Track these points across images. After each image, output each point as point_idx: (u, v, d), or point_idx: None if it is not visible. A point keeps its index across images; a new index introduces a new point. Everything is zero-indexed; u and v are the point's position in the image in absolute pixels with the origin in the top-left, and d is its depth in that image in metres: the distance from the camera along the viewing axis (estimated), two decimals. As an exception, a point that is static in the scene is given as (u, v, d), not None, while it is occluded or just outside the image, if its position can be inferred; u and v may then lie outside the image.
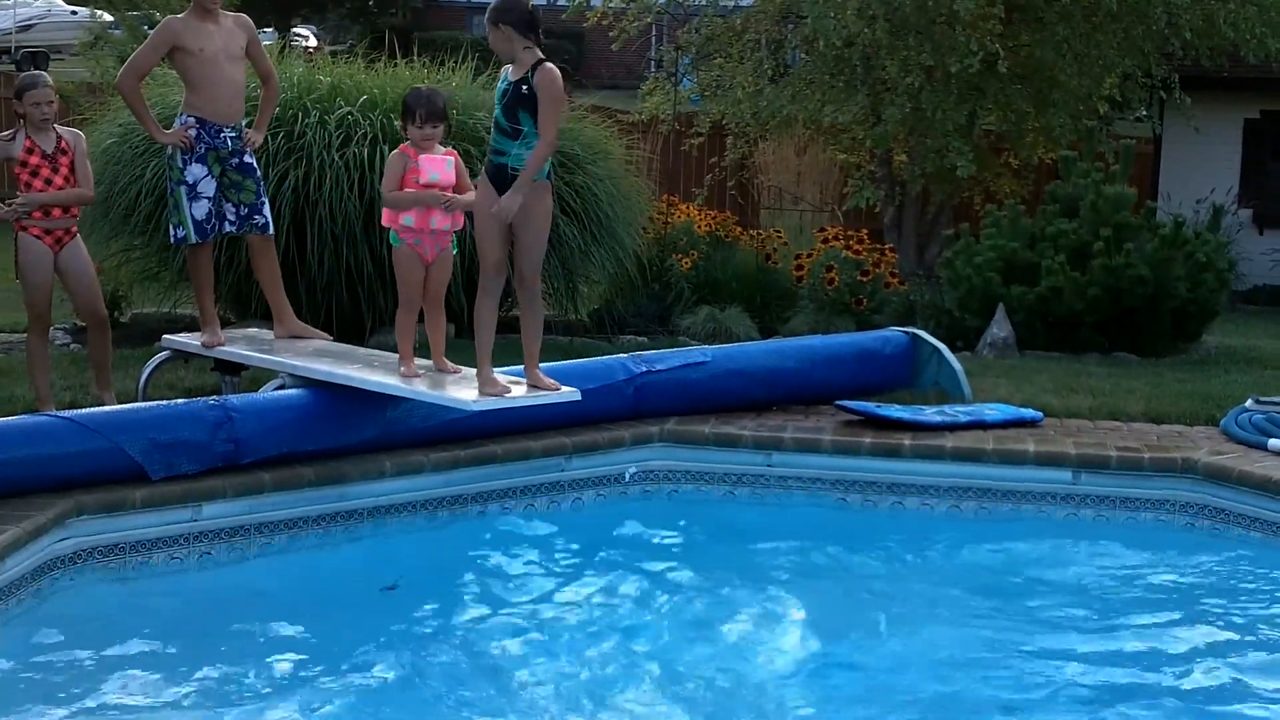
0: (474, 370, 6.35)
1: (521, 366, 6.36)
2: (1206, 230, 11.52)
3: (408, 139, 6.51)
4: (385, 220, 6.56)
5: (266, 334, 7.61)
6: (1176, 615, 5.86)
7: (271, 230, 7.41)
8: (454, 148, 9.36)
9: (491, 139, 6.14)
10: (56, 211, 7.17)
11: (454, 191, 6.45)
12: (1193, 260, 10.75)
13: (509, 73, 6.10)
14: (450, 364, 6.56)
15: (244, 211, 7.26)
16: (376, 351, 7.19)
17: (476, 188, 6.27)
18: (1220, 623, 5.77)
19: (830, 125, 16.21)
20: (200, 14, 7.10)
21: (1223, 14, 14.40)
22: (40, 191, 7.11)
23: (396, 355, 6.61)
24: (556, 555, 6.37)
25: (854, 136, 16.01)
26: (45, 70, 23.58)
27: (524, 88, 6.01)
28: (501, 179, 6.08)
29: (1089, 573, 6.33)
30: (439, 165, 6.40)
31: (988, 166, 16.28)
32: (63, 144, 7.18)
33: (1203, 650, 5.47)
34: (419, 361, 6.65)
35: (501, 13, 6.05)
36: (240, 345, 7.29)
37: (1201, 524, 6.69)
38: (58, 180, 7.14)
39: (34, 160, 7.12)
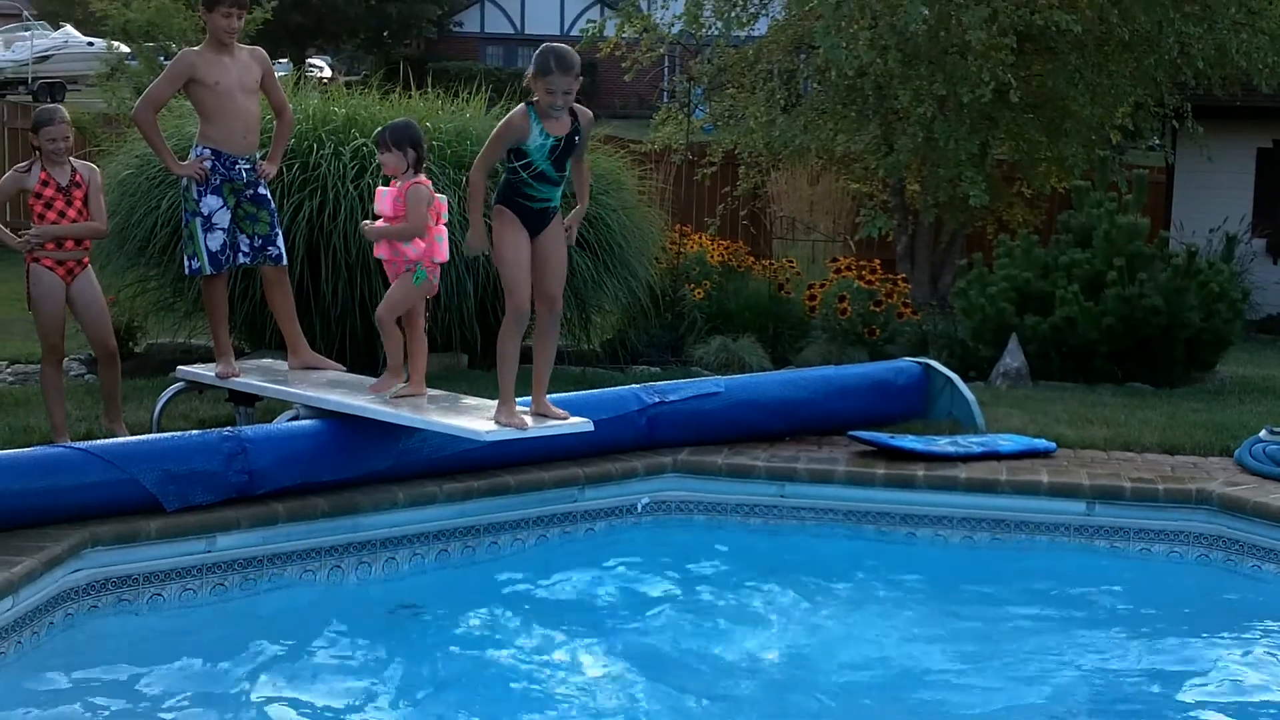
0: (459, 397, 6.40)
1: (525, 397, 6.35)
2: (1220, 260, 11.51)
3: None
4: None
5: (280, 365, 7.63)
6: (1191, 647, 5.84)
7: (285, 261, 7.44)
8: (469, 179, 9.47)
9: (532, 189, 6.08)
10: (69, 243, 7.21)
11: (394, 223, 6.61)
12: (1207, 290, 10.73)
13: (546, 127, 6.00)
14: (426, 390, 6.65)
15: (258, 243, 7.29)
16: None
17: (493, 224, 6.20)
18: (1235, 655, 5.75)
19: (843, 155, 16.25)
20: (216, 47, 7.15)
21: (1235, 44, 14.43)
22: (53, 223, 7.16)
23: (410, 389, 6.67)
24: (569, 586, 6.37)
25: (866, 166, 16.04)
26: (62, 101, 23.78)
27: (575, 138, 6.10)
28: (541, 219, 6.14)
29: (1103, 604, 6.32)
30: (378, 195, 6.68)
31: (1000, 196, 16.30)
32: (77, 177, 7.23)
33: (1217, 682, 5.45)
34: (433, 392, 6.71)
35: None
36: (254, 376, 7.31)
37: (1216, 555, 6.66)
38: (70, 213, 7.19)
39: (48, 193, 7.17)
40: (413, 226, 6.55)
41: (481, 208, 6.23)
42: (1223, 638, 5.94)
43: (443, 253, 6.69)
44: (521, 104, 6.07)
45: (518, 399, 6.28)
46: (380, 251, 6.70)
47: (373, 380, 6.86)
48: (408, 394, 6.63)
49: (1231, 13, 14.58)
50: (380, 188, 6.73)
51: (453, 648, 5.65)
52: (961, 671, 5.53)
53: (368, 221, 6.80)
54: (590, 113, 6.25)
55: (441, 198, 6.73)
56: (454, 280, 9.32)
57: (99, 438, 6.77)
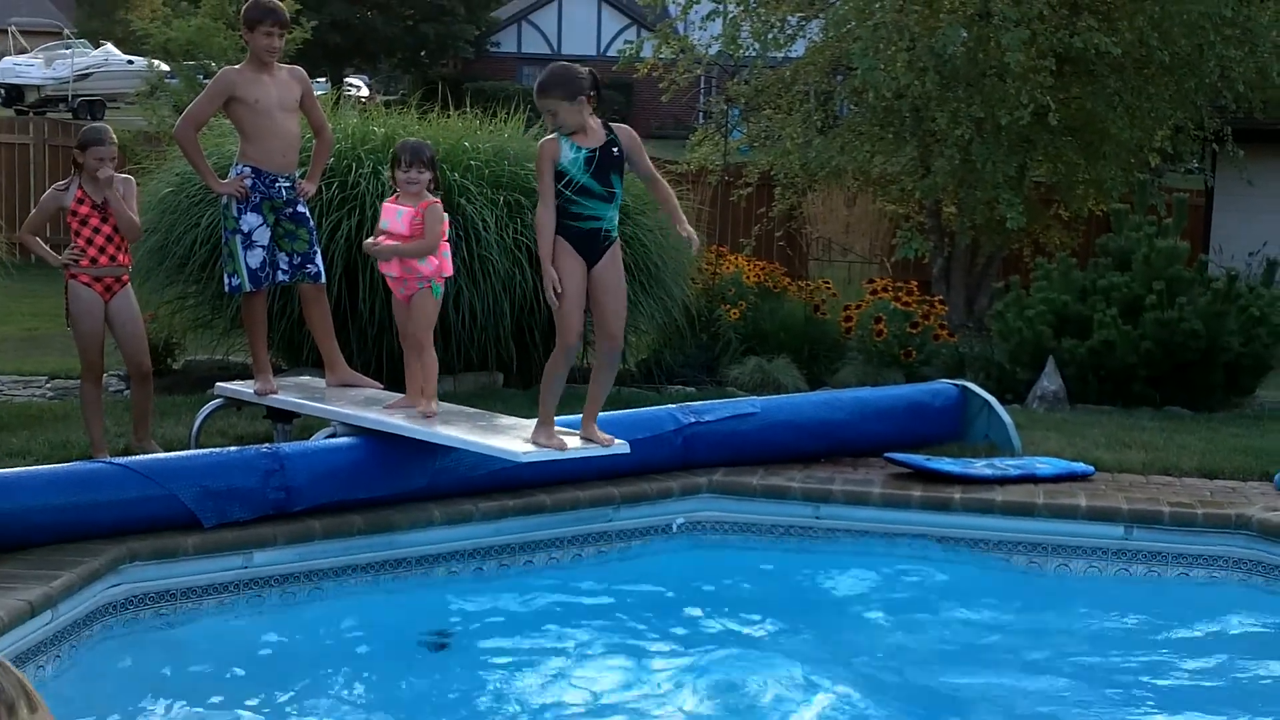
0: (496, 416, 6.46)
1: (574, 416, 6.36)
2: (1260, 284, 11.43)
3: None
4: None
5: (318, 382, 7.66)
6: (1229, 673, 5.79)
7: (324, 279, 7.47)
8: (505, 199, 9.51)
9: (578, 207, 6.00)
10: (104, 260, 7.25)
11: (407, 241, 6.65)
12: (1247, 314, 10.67)
13: (577, 141, 5.98)
14: (434, 406, 6.64)
15: (297, 260, 7.32)
16: (426, 400, 7.23)
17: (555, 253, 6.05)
18: (1275, 681, 5.70)
19: (879, 176, 16.22)
20: (257, 66, 7.19)
21: (1276, 67, 14.37)
22: (89, 241, 7.19)
23: (449, 405, 6.72)
24: (603, 606, 6.36)
25: (903, 187, 16.02)
26: (101, 119, 23.99)
27: (614, 150, 6.05)
28: (593, 243, 6.05)
29: (1140, 629, 6.27)
30: (391, 213, 6.70)
31: (1037, 218, 16.24)
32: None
33: (1258, 709, 5.40)
34: (470, 410, 6.73)
35: (583, 83, 5.99)
36: (292, 393, 7.34)
37: (1255, 581, 6.60)
38: (106, 229, 7.24)
39: (84, 210, 7.23)
40: (428, 244, 6.63)
41: (550, 250, 6.03)
42: (1260, 663, 5.89)
43: (450, 268, 6.82)
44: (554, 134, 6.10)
45: (561, 419, 6.30)
46: (390, 269, 6.74)
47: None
48: (404, 405, 6.74)
49: (1273, 35, 14.51)
50: (389, 204, 6.74)
51: (487, 666, 5.65)
52: (994, 695, 5.50)
53: (374, 239, 6.78)
54: (630, 129, 6.22)
55: (445, 216, 6.80)
56: (491, 301, 9.35)
57: (137, 454, 6.81)
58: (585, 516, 6.74)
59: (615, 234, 6.16)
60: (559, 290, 6.01)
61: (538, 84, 6.06)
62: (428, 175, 6.68)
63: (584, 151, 6.01)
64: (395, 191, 6.85)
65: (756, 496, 7.05)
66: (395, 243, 6.67)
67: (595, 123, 6.05)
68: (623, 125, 6.20)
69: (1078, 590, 6.62)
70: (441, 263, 6.74)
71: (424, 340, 6.76)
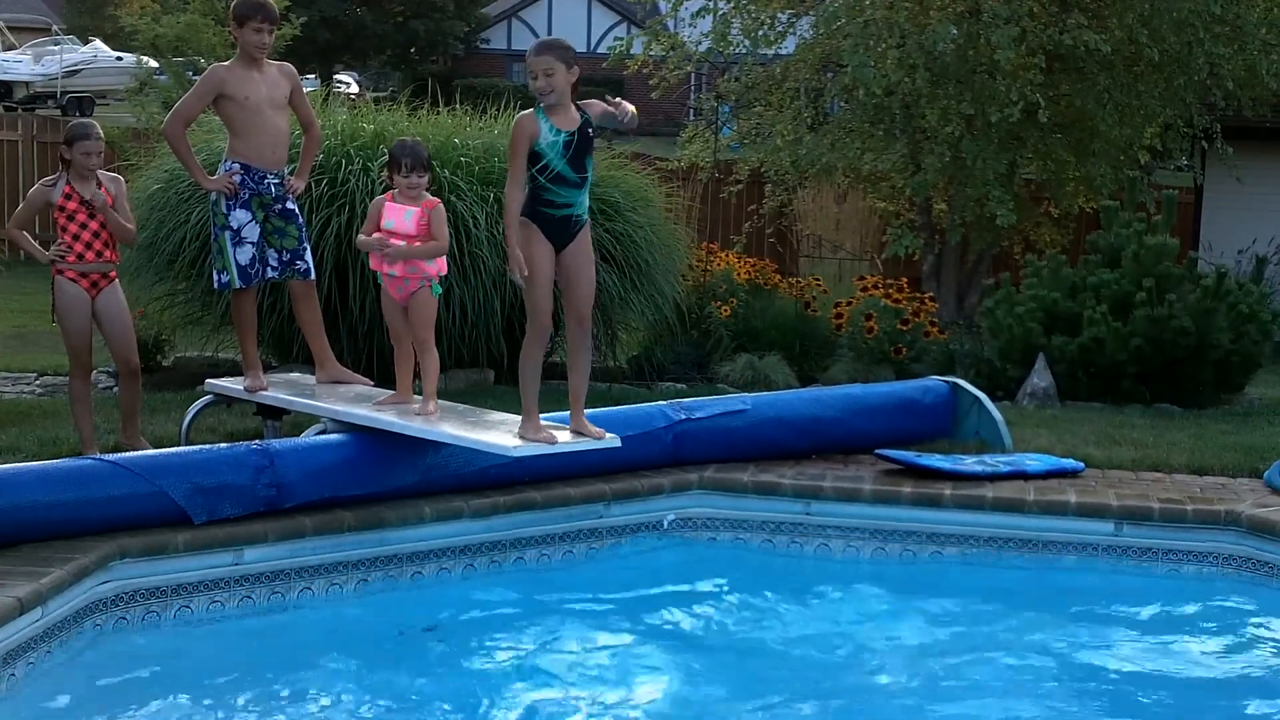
0: (485, 412, 6.50)
1: (563, 413, 6.36)
2: (1250, 281, 11.45)
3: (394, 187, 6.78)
4: None
5: (308, 379, 7.65)
6: (1219, 668, 5.81)
7: (313, 276, 7.45)
8: (496, 196, 9.50)
9: (551, 194, 5.97)
10: (91, 255, 7.23)
11: (415, 241, 6.65)
12: (1236, 311, 10.69)
13: (556, 123, 5.95)
14: (433, 405, 6.62)
15: (286, 257, 7.31)
16: (416, 396, 7.22)
17: (520, 241, 6.01)
18: (1264, 677, 5.72)
19: (869, 173, 16.22)
20: (246, 62, 7.17)
21: (1265, 65, 14.38)
22: (75, 237, 7.17)
23: (440, 402, 6.72)
24: (594, 602, 6.36)
25: (893, 185, 16.02)
26: (90, 115, 23.96)
27: (589, 130, 6.02)
28: (565, 229, 6.03)
29: (1131, 625, 6.28)
30: (397, 213, 6.69)
31: (1028, 216, 16.24)
32: (101, 189, 7.26)
33: (1246, 705, 5.42)
34: (460, 406, 6.74)
35: (571, 52, 5.99)
36: (282, 390, 7.32)
37: (1244, 577, 6.61)
38: (93, 225, 7.22)
39: (71, 206, 7.21)
40: (440, 246, 6.70)
41: (517, 230, 5.99)
42: (1250, 658, 5.91)
43: (446, 267, 6.89)
44: (529, 109, 6.07)
45: (549, 415, 6.29)
46: (393, 268, 6.71)
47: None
48: (394, 401, 6.78)
49: (1262, 33, 14.53)
50: (393, 204, 6.70)
51: (478, 662, 5.66)
52: (985, 692, 5.51)
53: (380, 238, 6.70)
54: (596, 101, 6.17)
55: None
56: (481, 297, 9.34)
57: (126, 451, 6.80)
58: (576, 513, 6.74)
59: (586, 218, 6.14)
60: (524, 274, 5.97)
61: (536, 44, 6.01)
62: (428, 177, 6.72)
63: (563, 135, 5.96)
64: (387, 189, 6.84)
65: (747, 493, 7.06)
66: (402, 243, 6.64)
67: (571, 107, 6.03)
68: (591, 101, 6.16)
69: (1067, 586, 6.63)
70: (441, 262, 6.78)
71: (427, 339, 6.76)
